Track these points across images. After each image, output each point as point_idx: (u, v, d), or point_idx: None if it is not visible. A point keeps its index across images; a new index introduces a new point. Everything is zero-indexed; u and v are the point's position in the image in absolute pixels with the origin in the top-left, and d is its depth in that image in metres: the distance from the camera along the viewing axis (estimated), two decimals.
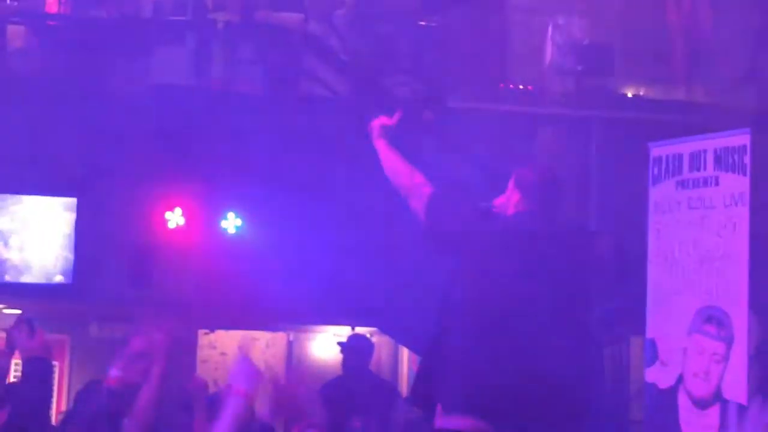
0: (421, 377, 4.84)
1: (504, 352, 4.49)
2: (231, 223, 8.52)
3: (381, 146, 5.15)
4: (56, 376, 7.92)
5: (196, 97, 8.78)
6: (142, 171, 8.66)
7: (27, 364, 4.76)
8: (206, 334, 11.09)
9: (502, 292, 4.56)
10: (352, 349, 8.26)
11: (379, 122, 5.22)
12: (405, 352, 11.36)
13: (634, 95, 11.04)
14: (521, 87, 10.83)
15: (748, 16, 9.89)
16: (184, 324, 8.71)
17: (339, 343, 8.65)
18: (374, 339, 10.65)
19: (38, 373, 4.73)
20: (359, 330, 10.12)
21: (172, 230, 8.54)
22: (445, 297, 4.73)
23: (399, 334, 9.49)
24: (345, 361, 8.23)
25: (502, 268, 4.60)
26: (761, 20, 9.63)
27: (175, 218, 8.52)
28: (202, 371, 10.75)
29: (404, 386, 10.98)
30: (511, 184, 4.90)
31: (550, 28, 11.06)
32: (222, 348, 11.87)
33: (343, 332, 11.10)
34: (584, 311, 4.81)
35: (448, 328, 4.64)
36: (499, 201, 4.91)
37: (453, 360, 4.55)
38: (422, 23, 10.92)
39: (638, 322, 6.78)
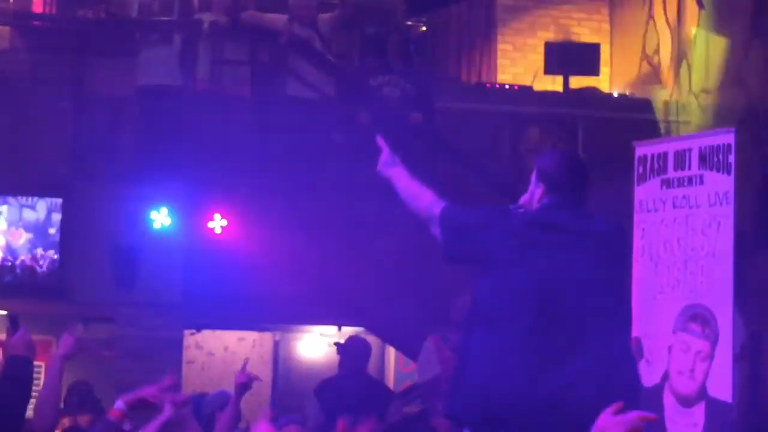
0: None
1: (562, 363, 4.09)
2: (217, 223, 8.49)
3: (394, 174, 4.67)
4: (42, 376, 7.87)
5: (182, 98, 8.77)
6: (128, 171, 8.66)
7: (8, 362, 4.69)
8: (192, 334, 11.07)
9: (544, 297, 4.16)
10: (351, 350, 8.22)
11: (384, 156, 4.74)
12: (392, 353, 11.36)
13: (620, 95, 11.07)
14: (508, 86, 10.86)
15: (735, 18, 9.93)
16: (170, 324, 8.70)
17: (336, 344, 8.62)
18: None
19: (18, 372, 4.65)
20: (345, 330, 10.12)
21: (158, 230, 8.52)
22: (480, 311, 4.30)
23: (385, 333, 9.48)
24: (342, 362, 8.18)
25: (538, 271, 4.20)
26: (748, 22, 9.66)
27: (160, 218, 8.50)
28: (188, 372, 10.74)
29: (391, 386, 10.98)
30: (533, 177, 4.46)
31: (537, 28, 11.11)
32: (209, 348, 11.86)
33: (330, 332, 11.11)
34: (628, 310, 4.53)
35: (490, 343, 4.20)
36: (524, 199, 4.49)
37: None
38: (410, 23, 10.95)
39: None
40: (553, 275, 4.20)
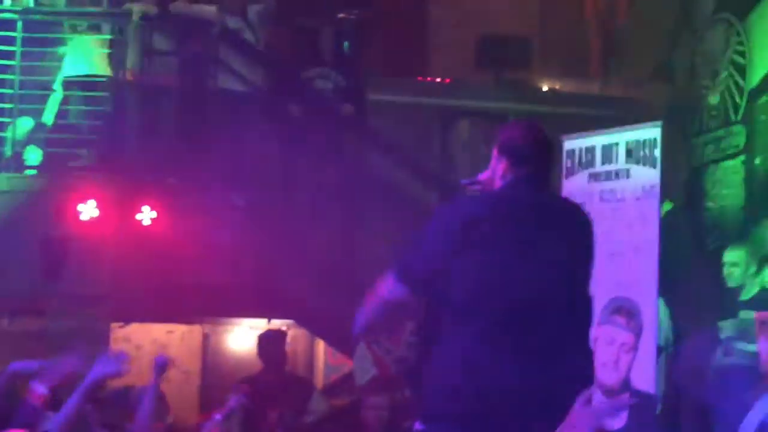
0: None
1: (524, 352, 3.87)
2: (146, 215, 8.42)
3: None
4: None
5: (111, 88, 8.68)
6: (55, 162, 8.56)
7: None
8: (121, 327, 10.97)
9: (512, 283, 3.92)
10: (268, 341, 8.29)
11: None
12: (321, 345, 11.35)
13: (550, 89, 11.14)
14: (439, 80, 10.88)
15: (663, 12, 10.03)
16: (97, 317, 8.62)
17: (258, 336, 8.66)
18: (291, 332, 10.63)
19: None
20: (275, 323, 10.10)
21: (86, 222, 8.42)
22: (440, 301, 4.02)
23: (315, 326, 9.49)
24: (261, 354, 8.25)
25: (506, 254, 3.93)
26: (676, 16, 9.77)
27: (88, 210, 8.40)
28: None
29: (320, 378, 10.97)
30: (495, 152, 4.13)
31: (469, 22, 11.13)
32: (137, 341, 11.75)
33: (259, 325, 11.07)
34: (589, 297, 4.17)
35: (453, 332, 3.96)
36: (484, 176, 4.16)
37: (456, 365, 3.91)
38: (342, 15, 10.92)
39: None
40: (527, 260, 3.94)
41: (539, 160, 4.10)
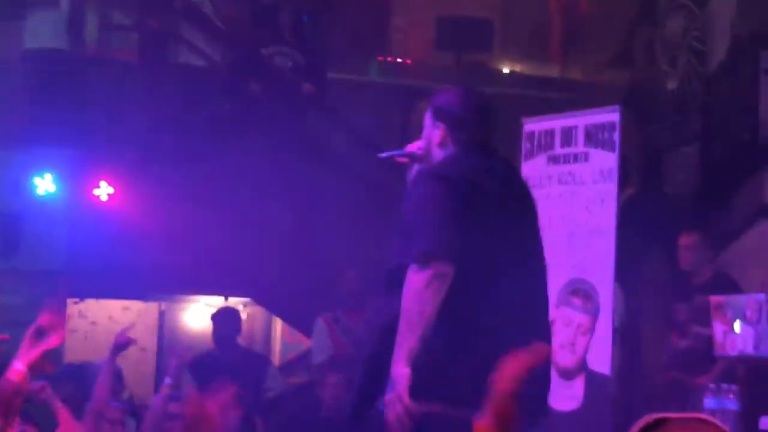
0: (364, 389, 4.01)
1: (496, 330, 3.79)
2: (103, 191, 8.37)
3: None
4: None
5: (69, 63, 8.61)
6: (12, 135, 8.47)
7: None
8: (75, 303, 10.90)
9: (508, 267, 3.86)
10: (222, 318, 8.27)
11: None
12: (278, 323, 11.34)
13: (511, 71, 11.16)
14: (399, 60, 10.87)
15: None
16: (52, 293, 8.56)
17: (211, 315, 8.64)
18: (248, 309, 10.61)
19: None
20: (232, 300, 10.08)
21: (42, 197, 8.36)
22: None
23: (272, 304, 9.48)
24: (214, 331, 8.23)
25: (501, 237, 3.85)
26: (636, 2, 9.81)
27: (45, 184, 8.34)
28: (71, 341, 10.58)
29: (277, 356, 10.97)
30: (428, 119, 4.00)
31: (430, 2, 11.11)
32: (92, 317, 11.69)
33: (216, 302, 11.04)
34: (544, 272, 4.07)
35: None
36: (414, 146, 4.07)
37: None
38: None
39: None
40: (508, 243, 3.86)
41: (481, 125, 3.98)
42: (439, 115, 3.96)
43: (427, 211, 3.83)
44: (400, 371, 3.73)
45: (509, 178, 4.06)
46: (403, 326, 3.75)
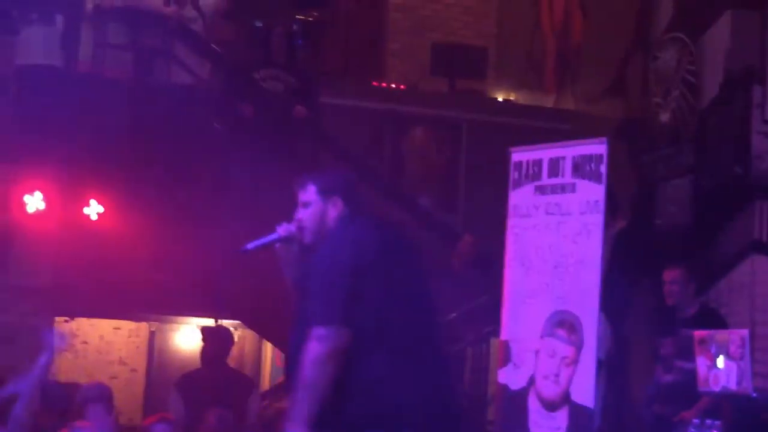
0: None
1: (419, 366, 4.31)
2: (93, 209, 8.36)
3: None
4: None
5: (62, 79, 8.60)
6: (2, 151, 8.46)
7: None
8: (66, 321, 10.89)
9: (409, 310, 4.37)
10: (214, 336, 8.22)
11: None
12: (268, 347, 11.32)
13: (505, 99, 11.16)
14: (393, 85, 10.87)
15: (618, 29, 10.10)
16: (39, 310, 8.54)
17: (202, 328, 8.60)
18: (238, 332, 10.59)
19: None
20: (223, 323, 10.05)
21: (32, 214, 8.34)
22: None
23: (262, 328, 9.45)
24: (204, 349, 8.18)
25: (402, 286, 4.37)
26: (630, 34, 9.84)
27: (35, 202, 8.32)
28: (61, 360, 10.56)
29: (267, 380, 10.94)
30: (315, 195, 4.48)
31: (426, 29, 11.13)
32: (83, 336, 11.67)
33: (207, 324, 11.01)
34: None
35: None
36: (307, 215, 4.49)
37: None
38: (300, 17, 10.89)
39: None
40: (408, 291, 4.38)
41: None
42: (332, 190, 4.49)
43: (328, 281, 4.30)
44: None
45: (406, 242, 4.56)
46: (303, 394, 4.16)
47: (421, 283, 4.49)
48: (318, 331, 4.19)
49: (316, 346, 4.17)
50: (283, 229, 4.57)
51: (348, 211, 4.48)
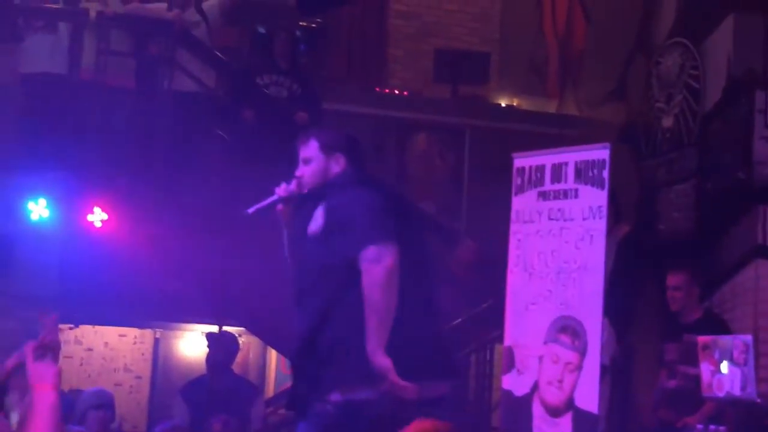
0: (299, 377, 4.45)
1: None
2: (97, 216, 8.36)
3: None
4: None
5: (66, 87, 8.61)
6: (6, 159, 8.48)
7: None
8: (71, 328, 10.90)
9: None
10: (219, 342, 8.23)
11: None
12: (273, 354, 11.32)
13: (507, 105, 11.16)
14: (396, 92, 10.87)
15: (621, 34, 10.09)
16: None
17: (207, 334, 8.60)
18: (243, 339, 10.58)
19: None
20: (227, 329, 10.05)
21: (36, 222, 8.35)
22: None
23: (267, 335, 9.44)
24: (209, 355, 8.19)
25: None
26: (632, 38, 9.83)
27: (38, 209, 8.33)
28: (66, 367, 10.55)
29: (271, 386, 10.94)
30: (318, 152, 4.42)
31: (428, 34, 11.13)
32: (88, 344, 11.68)
33: (212, 331, 11.01)
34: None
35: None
36: (309, 171, 4.46)
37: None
38: (303, 23, 10.90)
39: None
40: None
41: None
42: (336, 147, 4.42)
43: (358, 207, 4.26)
44: (384, 362, 4.06)
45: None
46: (372, 319, 4.06)
47: (423, 250, 4.45)
48: (369, 253, 4.09)
49: (373, 267, 4.08)
50: (282, 190, 4.46)
51: (352, 171, 4.35)
